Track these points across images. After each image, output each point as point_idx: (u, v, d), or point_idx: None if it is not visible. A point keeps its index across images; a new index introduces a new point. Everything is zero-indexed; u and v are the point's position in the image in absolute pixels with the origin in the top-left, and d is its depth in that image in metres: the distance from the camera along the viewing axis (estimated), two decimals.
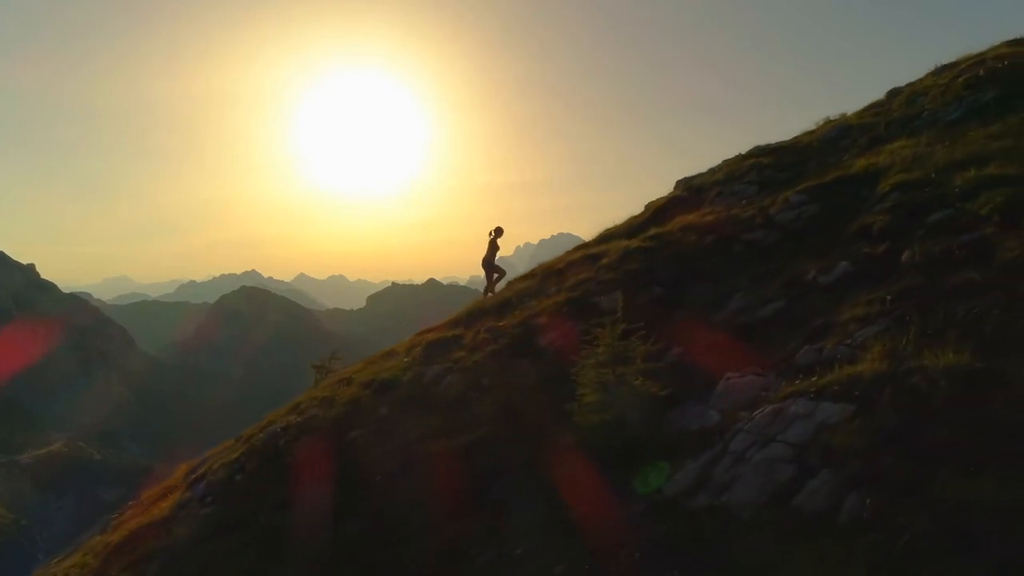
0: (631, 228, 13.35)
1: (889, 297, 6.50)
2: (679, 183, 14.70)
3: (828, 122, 15.62)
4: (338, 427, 9.29)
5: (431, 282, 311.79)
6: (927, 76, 14.19)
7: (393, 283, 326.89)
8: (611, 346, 6.69)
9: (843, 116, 15.56)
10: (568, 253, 12.95)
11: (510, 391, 8.28)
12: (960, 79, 12.15)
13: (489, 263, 15.52)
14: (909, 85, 14.14)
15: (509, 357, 9.41)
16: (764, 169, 12.57)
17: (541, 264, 13.79)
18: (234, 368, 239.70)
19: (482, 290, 15.93)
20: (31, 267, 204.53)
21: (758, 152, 13.86)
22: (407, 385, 9.69)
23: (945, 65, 14.14)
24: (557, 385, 7.67)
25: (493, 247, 15.49)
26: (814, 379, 5.73)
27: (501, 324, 10.54)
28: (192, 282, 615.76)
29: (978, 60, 12.88)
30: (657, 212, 13.51)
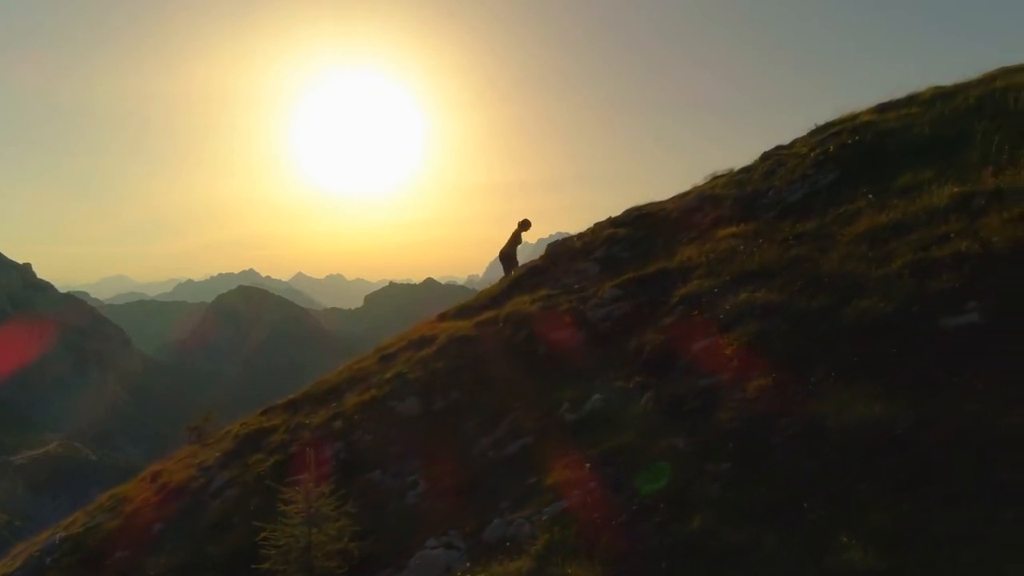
0: (488, 299, 12.88)
1: (588, 465, 6.01)
2: (549, 247, 14.19)
3: (715, 178, 15.10)
4: (109, 544, 8.86)
5: (429, 281, 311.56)
6: (804, 136, 13.63)
7: (391, 282, 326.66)
8: (305, 508, 6.23)
9: (730, 170, 15.05)
10: (409, 331, 12.46)
11: (262, 524, 7.80)
12: (815, 152, 11.59)
13: (508, 255, 15.28)
14: (785, 148, 13.57)
15: (293, 471, 8.93)
16: (615, 244, 12.05)
17: (402, 334, 13.32)
18: (231, 368, 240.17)
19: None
20: (28, 267, 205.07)
21: (624, 219, 13.33)
22: (192, 494, 9.25)
23: (823, 125, 13.58)
24: None
25: (515, 239, 15.32)
26: None
27: (308, 420, 10.09)
28: (190, 281, 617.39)
29: (842, 127, 12.31)
30: (515, 283, 13.03)
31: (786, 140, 13.12)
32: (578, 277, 11.38)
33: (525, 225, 15.44)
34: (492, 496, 6.62)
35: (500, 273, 15.68)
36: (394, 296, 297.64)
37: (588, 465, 6.02)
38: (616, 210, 14.44)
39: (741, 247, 9.19)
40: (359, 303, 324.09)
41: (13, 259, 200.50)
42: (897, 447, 4.74)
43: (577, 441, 6.76)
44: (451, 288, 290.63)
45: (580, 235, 13.80)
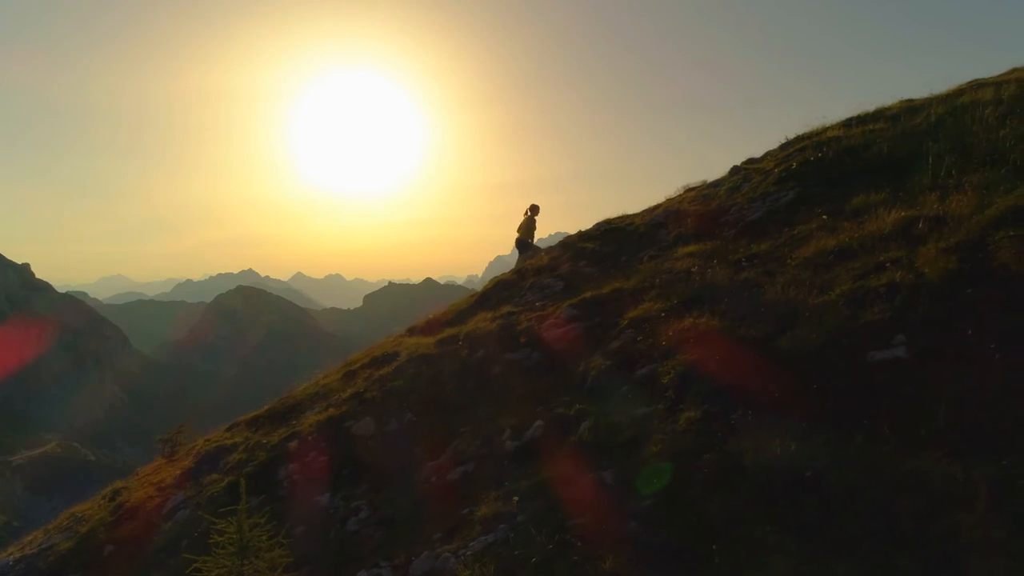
0: (456, 313, 12.88)
1: (517, 498, 6.00)
2: (519, 260, 14.18)
3: (687, 190, 15.10)
4: (60, 566, 8.86)
5: (428, 281, 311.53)
6: (775, 150, 13.62)
7: (390, 282, 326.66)
8: (238, 538, 6.21)
9: (702, 183, 15.04)
10: (373, 347, 12.45)
11: (192, 556, 7.80)
12: (779, 168, 11.58)
13: (523, 241, 15.38)
14: (756, 162, 13.56)
15: (246, 492, 8.92)
16: (581, 259, 12.04)
17: (367, 349, 13.31)
18: (230, 367, 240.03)
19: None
20: (26, 267, 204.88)
21: (593, 233, 13.33)
22: (147, 515, 9.25)
23: (792, 139, 13.57)
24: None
25: (530, 224, 15.43)
26: None
27: (265, 440, 10.08)
28: (189, 281, 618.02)
29: (809, 141, 12.30)
30: (483, 297, 13.03)
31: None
32: (541, 293, 11.38)
33: (535, 210, 15.57)
34: (428, 525, 6.61)
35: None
36: (393, 296, 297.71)
37: (516, 498, 6.01)
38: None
39: (695, 267, 9.18)
40: (358, 303, 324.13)
41: (11, 259, 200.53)
42: (807, 489, 4.73)
43: (513, 471, 6.76)
44: (450, 288, 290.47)
45: (549, 249, 13.80)
